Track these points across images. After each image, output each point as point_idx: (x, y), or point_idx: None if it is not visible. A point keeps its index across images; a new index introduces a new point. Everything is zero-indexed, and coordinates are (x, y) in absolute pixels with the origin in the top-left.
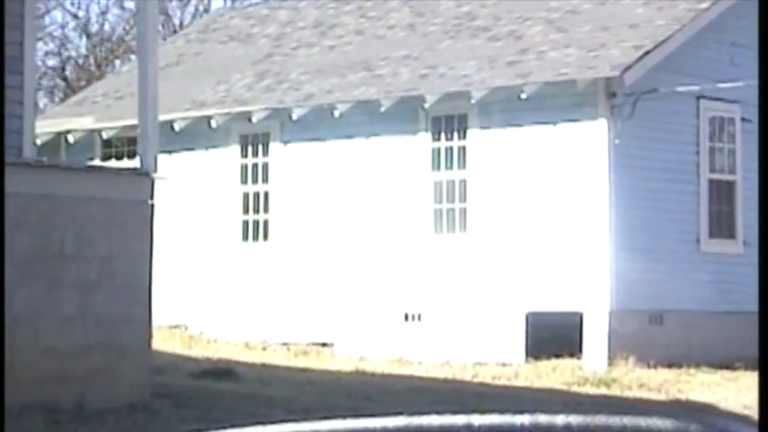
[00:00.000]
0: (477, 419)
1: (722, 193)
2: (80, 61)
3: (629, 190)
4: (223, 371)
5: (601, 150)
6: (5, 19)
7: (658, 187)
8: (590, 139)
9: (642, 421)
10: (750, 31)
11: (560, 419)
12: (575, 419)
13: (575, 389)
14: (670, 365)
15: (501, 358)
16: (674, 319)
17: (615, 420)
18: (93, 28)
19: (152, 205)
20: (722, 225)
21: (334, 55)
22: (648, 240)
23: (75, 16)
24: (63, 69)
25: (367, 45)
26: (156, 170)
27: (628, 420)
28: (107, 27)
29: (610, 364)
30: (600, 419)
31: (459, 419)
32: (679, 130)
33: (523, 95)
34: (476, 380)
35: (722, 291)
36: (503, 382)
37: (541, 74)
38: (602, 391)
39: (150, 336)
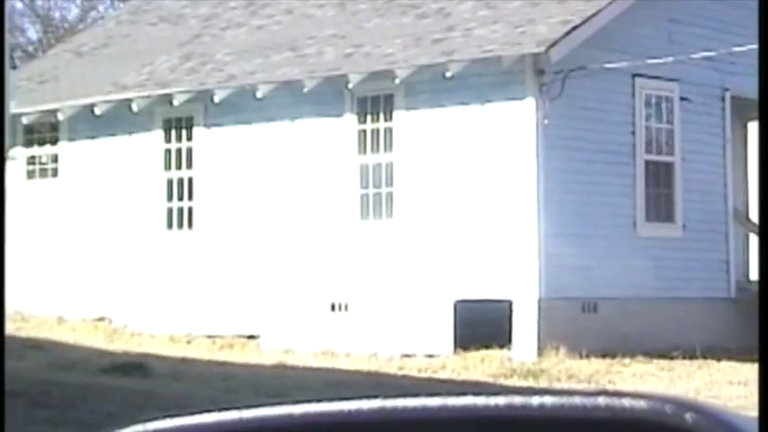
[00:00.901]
0: (452, 401)
1: (660, 175)
2: (29, 48)
3: (560, 172)
4: (133, 366)
5: (529, 131)
6: None
7: (591, 169)
8: (517, 119)
9: (617, 402)
10: (688, 7)
11: (535, 400)
12: (549, 400)
13: (501, 381)
14: (604, 355)
15: (429, 349)
16: (608, 306)
17: (590, 401)
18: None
19: None
20: (660, 208)
21: (262, 35)
22: (581, 225)
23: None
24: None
25: (295, 24)
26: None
27: (602, 400)
28: (57, 13)
29: (540, 355)
30: (575, 400)
31: (434, 401)
32: (613, 109)
33: (448, 74)
34: (400, 372)
35: (660, 276)
36: (428, 374)
37: (466, 51)
38: (530, 382)
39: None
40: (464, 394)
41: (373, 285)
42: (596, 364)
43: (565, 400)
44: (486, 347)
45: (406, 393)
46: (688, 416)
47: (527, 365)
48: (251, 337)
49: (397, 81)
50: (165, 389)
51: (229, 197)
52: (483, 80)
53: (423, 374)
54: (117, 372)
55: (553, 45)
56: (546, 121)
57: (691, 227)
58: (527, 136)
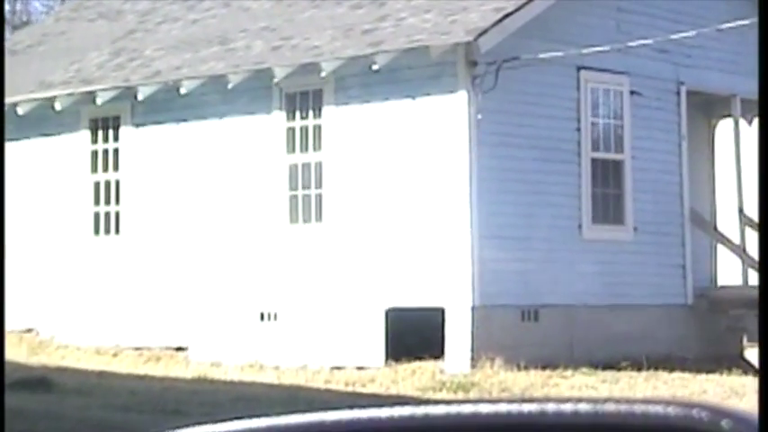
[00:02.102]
0: (485, 408)
1: (608, 174)
2: None
3: (496, 171)
4: (37, 381)
5: (461, 126)
6: None
7: (532, 167)
8: (449, 113)
9: (651, 408)
10: None
11: (569, 407)
12: (583, 407)
13: (429, 395)
14: (545, 366)
15: (360, 361)
16: (551, 314)
17: (624, 408)
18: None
19: None
20: (608, 209)
21: (195, 29)
22: (520, 227)
23: None
24: None
25: (230, 18)
26: None
27: (637, 407)
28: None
29: (474, 366)
30: (609, 407)
31: (466, 408)
32: (556, 103)
33: (375, 66)
34: (325, 387)
35: (608, 282)
36: (354, 388)
37: (395, 42)
38: (459, 396)
39: None
40: (497, 401)
41: (303, 293)
42: (534, 376)
43: (599, 407)
44: (419, 359)
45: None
46: (724, 422)
47: (458, 378)
48: (179, 348)
49: (323, 75)
50: (55, 406)
51: (157, 201)
52: (414, 73)
53: (348, 388)
54: (19, 387)
55: (483, 33)
56: (479, 116)
57: (642, 229)
58: (459, 132)
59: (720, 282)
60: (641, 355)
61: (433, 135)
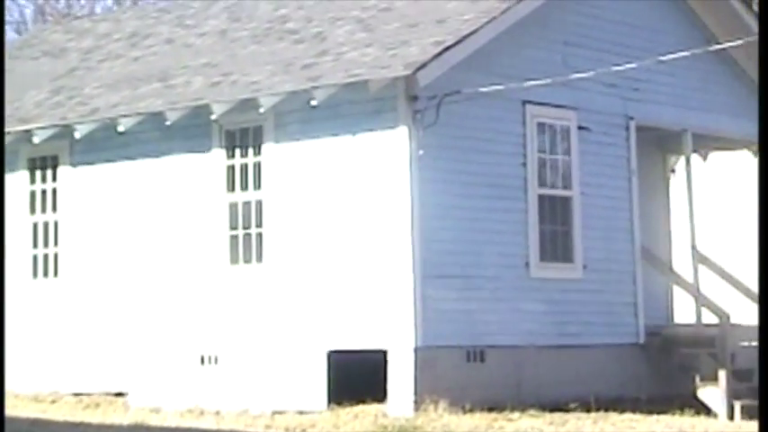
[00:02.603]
0: None
1: (556, 211)
2: None
3: (439, 208)
4: None
5: (401, 162)
6: None
7: (476, 204)
8: (390, 149)
9: None
10: (585, 29)
11: None
12: None
13: None
14: (492, 408)
15: (302, 404)
16: (497, 355)
17: None
18: None
19: None
20: (556, 247)
21: (136, 66)
22: (465, 266)
23: None
24: None
25: (172, 54)
26: None
27: None
28: None
29: (417, 409)
30: None
31: None
32: (501, 139)
33: (314, 102)
34: None
35: (557, 322)
36: None
37: (333, 76)
38: None
39: None
40: None
41: (244, 335)
42: (479, 418)
43: None
44: (362, 402)
45: None
46: None
47: (401, 422)
48: (119, 394)
49: (262, 111)
50: None
51: (96, 242)
52: (355, 108)
53: None
54: None
55: (422, 67)
56: (421, 152)
57: (592, 267)
58: (400, 168)
59: (678, 320)
60: (592, 396)
61: (373, 172)
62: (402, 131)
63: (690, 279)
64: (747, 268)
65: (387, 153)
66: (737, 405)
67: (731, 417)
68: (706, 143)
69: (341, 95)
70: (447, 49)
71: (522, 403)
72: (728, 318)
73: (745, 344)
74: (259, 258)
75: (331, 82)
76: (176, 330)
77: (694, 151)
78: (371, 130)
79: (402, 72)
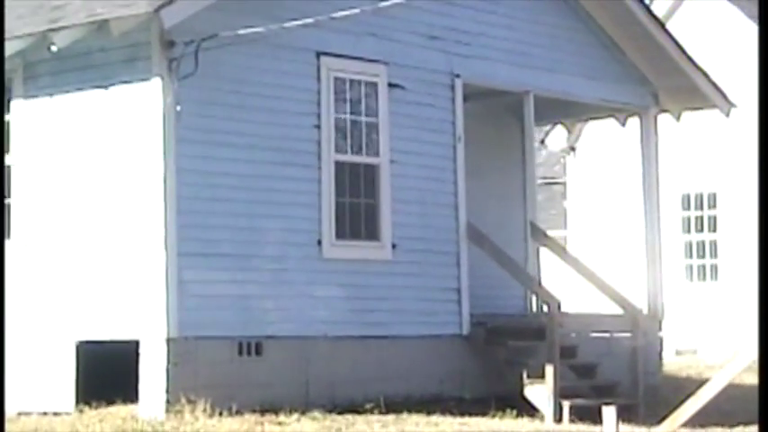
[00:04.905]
0: None
1: (359, 181)
2: None
3: (205, 176)
4: None
5: (154, 120)
6: None
7: (254, 172)
8: (143, 105)
9: None
10: None
11: None
12: None
13: None
14: (267, 410)
15: (49, 404)
16: (279, 348)
17: None
18: None
19: None
20: (358, 223)
21: None
22: (239, 244)
23: None
24: None
25: None
26: None
27: None
28: None
29: (170, 411)
30: None
31: None
32: (287, 95)
33: (54, 47)
34: None
35: (358, 310)
36: None
37: (75, 16)
38: None
39: None
40: None
41: None
42: (242, 422)
43: None
44: (113, 402)
45: None
46: None
47: (149, 426)
48: None
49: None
50: None
51: None
52: (107, 57)
53: None
54: None
55: (168, 3)
56: (179, 108)
57: (405, 247)
58: (152, 127)
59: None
60: (401, 396)
61: (127, 132)
62: (156, 83)
63: (531, 261)
64: (616, 250)
65: (140, 109)
66: (566, 405)
67: (559, 418)
68: (553, 107)
69: (90, 41)
70: None
71: (309, 404)
72: (559, 305)
73: (597, 335)
74: (8, 234)
75: (70, 23)
76: None
77: (560, 121)
78: (128, 82)
79: (144, 9)
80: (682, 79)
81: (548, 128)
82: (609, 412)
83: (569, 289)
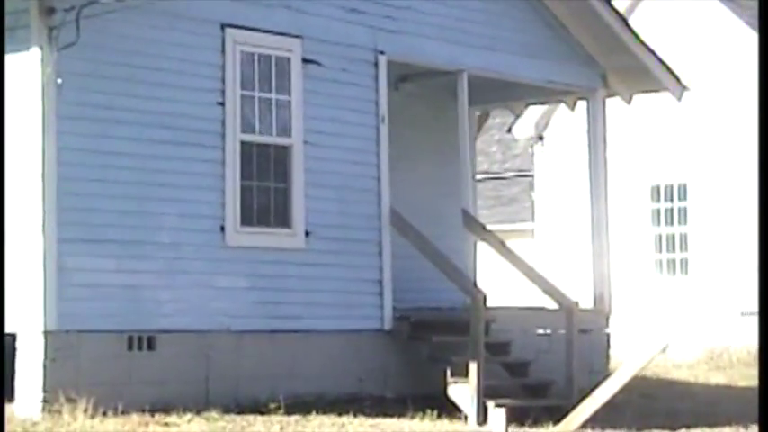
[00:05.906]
0: None
1: (268, 164)
2: None
3: (89, 155)
4: None
5: (32, 96)
6: None
7: (147, 152)
8: (21, 79)
9: None
10: None
11: None
12: None
13: None
14: (157, 410)
15: None
16: (174, 342)
17: None
18: None
19: None
20: (267, 208)
21: None
22: (129, 229)
23: None
24: None
25: None
26: None
27: None
28: None
29: (47, 410)
30: None
31: None
32: (186, 70)
33: None
34: None
35: (266, 302)
36: None
37: None
38: None
39: None
40: None
41: None
42: (124, 423)
43: None
44: None
45: None
46: None
47: (25, 426)
48: None
49: None
50: None
51: None
52: None
53: None
54: None
55: None
56: (59, 81)
57: (319, 234)
58: (31, 101)
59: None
60: (314, 395)
61: (5, 107)
62: (34, 54)
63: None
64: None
65: (18, 82)
66: (491, 405)
67: (483, 420)
68: (514, 93)
69: None
70: None
71: (208, 403)
72: (484, 298)
73: (541, 332)
74: None
75: None
76: None
77: (502, 104)
78: (9, 52)
79: None
80: (631, 60)
81: (515, 115)
82: (497, 414)
83: (517, 285)
